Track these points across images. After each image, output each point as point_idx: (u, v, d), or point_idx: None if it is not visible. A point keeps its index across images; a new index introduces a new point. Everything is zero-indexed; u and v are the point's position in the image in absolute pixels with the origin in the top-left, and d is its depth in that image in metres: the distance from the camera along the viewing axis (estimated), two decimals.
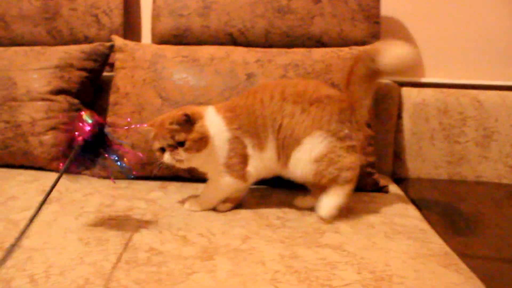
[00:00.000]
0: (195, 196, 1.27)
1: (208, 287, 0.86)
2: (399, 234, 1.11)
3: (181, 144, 1.12)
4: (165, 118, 1.14)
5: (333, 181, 1.17)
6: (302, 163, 1.17)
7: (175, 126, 1.11)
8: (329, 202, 1.17)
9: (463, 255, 1.04)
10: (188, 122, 1.12)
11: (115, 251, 0.97)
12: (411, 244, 1.05)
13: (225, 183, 1.20)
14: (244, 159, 1.19)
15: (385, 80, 1.68)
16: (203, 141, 1.13)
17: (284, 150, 1.18)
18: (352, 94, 1.22)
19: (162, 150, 1.14)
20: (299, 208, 1.26)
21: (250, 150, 1.19)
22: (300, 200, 1.28)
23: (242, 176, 1.19)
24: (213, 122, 1.17)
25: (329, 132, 1.16)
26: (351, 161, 1.17)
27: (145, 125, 1.19)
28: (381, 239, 1.08)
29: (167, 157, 1.13)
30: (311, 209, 1.22)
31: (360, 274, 0.91)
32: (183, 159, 1.13)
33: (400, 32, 1.74)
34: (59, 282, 0.87)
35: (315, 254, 0.98)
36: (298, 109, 1.17)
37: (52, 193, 1.30)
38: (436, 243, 1.08)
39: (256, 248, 1.00)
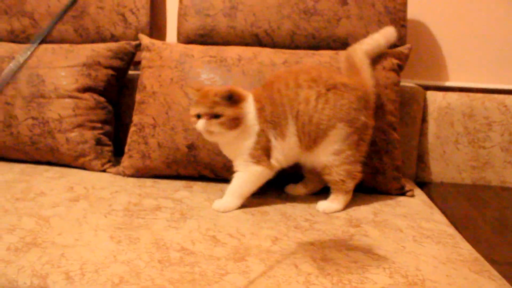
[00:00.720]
0: (221, 198, 1.27)
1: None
2: (427, 238, 1.11)
3: (217, 116, 1.17)
4: (212, 89, 1.21)
5: (337, 184, 1.27)
6: (325, 152, 1.25)
7: (217, 99, 1.17)
8: (332, 206, 1.27)
9: (491, 261, 1.04)
10: (231, 99, 1.19)
11: (147, 250, 0.98)
12: (441, 249, 1.05)
13: (253, 172, 1.24)
14: (267, 152, 1.23)
15: (409, 84, 1.67)
16: (236, 122, 1.19)
17: (307, 136, 1.23)
18: (363, 80, 1.31)
19: (198, 116, 1.20)
20: (289, 195, 1.38)
21: (273, 142, 1.24)
22: (291, 188, 1.40)
23: (269, 165, 1.24)
24: (250, 110, 1.23)
25: (349, 123, 1.24)
26: (357, 170, 1.28)
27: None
28: (410, 243, 1.07)
29: (200, 124, 1.19)
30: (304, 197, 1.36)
31: (393, 278, 0.91)
32: (214, 131, 1.19)
33: (426, 36, 1.73)
34: (94, 279, 0.88)
35: (346, 257, 0.98)
36: (313, 93, 1.22)
37: (79, 190, 1.33)
38: (465, 248, 1.07)
39: (287, 249, 1.00)
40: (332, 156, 1.25)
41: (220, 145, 1.29)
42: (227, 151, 1.29)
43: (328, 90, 1.23)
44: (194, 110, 1.21)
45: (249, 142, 1.22)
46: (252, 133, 1.22)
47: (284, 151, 1.25)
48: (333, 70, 1.35)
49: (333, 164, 1.25)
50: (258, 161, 1.23)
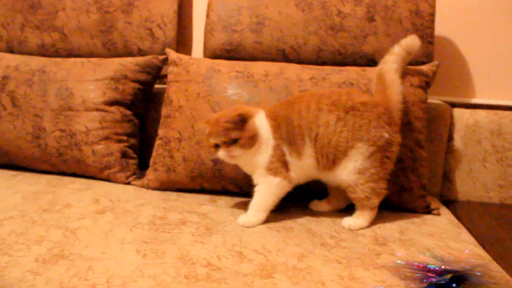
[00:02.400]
0: (245, 212, 1.27)
1: None
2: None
3: (235, 141, 1.20)
4: (220, 116, 1.22)
5: (362, 201, 1.26)
6: (347, 172, 1.24)
7: (229, 125, 1.19)
8: (358, 222, 1.26)
9: None
10: (242, 120, 1.20)
11: (173, 265, 0.98)
12: None
13: (272, 183, 1.25)
14: (284, 164, 1.24)
15: (436, 101, 1.66)
16: (253, 139, 1.22)
17: (325, 158, 1.24)
18: (387, 97, 1.30)
19: (217, 146, 1.22)
20: (313, 211, 1.38)
21: (288, 157, 1.25)
22: (316, 204, 1.40)
23: (287, 177, 1.25)
24: (263, 125, 1.25)
25: (369, 142, 1.23)
26: (382, 188, 1.27)
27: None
28: None
29: (222, 154, 1.22)
30: (328, 213, 1.36)
31: None
32: (237, 155, 1.21)
33: (453, 52, 1.71)
34: None
35: (373, 276, 0.97)
36: (333, 117, 1.23)
37: (104, 202, 1.34)
38: (497, 271, 1.05)
39: (314, 267, 0.99)
40: (355, 175, 1.24)
41: (239, 164, 1.31)
42: (247, 168, 1.30)
43: (346, 112, 1.23)
44: (211, 141, 1.22)
45: (265, 155, 1.24)
46: (268, 147, 1.24)
47: (300, 169, 1.26)
48: (355, 91, 1.34)
49: (357, 182, 1.24)
50: (275, 173, 1.24)
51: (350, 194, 1.27)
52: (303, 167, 1.26)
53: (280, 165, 1.24)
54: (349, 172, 1.24)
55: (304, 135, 1.24)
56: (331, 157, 1.23)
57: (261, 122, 1.25)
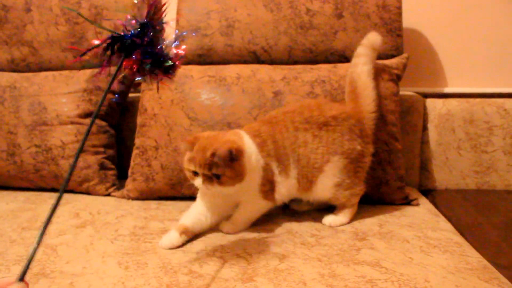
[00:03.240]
0: (227, 219, 1.24)
1: None
2: (434, 248, 1.10)
3: (217, 176, 1.08)
4: (207, 145, 1.08)
5: (343, 203, 1.28)
6: (325, 188, 1.25)
7: (216, 160, 1.06)
8: (338, 219, 1.27)
9: (499, 266, 1.04)
10: (231, 159, 1.08)
11: (155, 275, 0.98)
12: (449, 258, 1.05)
13: (260, 206, 1.23)
14: (273, 185, 1.21)
15: (409, 92, 1.68)
16: (239, 178, 1.11)
17: (304, 178, 1.23)
18: (358, 107, 1.31)
19: (195, 173, 1.11)
20: (295, 211, 1.37)
21: (277, 177, 1.21)
22: (297, 204, 1.37)
23: (273, 198, 1.22)
24: (251, 152, 1.16)
25: (344, 155, 1.23)
26: (360, 189, 1.29)
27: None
28: (417, 254, 1.07)
29: (199, 183, 1.11)
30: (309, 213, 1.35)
31: None
32: (216, 191, 1.10)
33: (422, 43, 1.74)
34: None
35: (354, 272, 0.98)
36: (309, 135, 1.23)
37: (84, 216, 1.33)
38: (473, 256, 1.07)
39: (295, 267, 1.00)
40: (334, 188, 1.25)
41: (217, 201, 1.21)
42: (234, 197, 1.20)
43: (320, 129, 1.23)
44: (190, 166, 1.11)
45: (257, 178, 1.18)
46: (258, 168, 1.17)
47: (286, 189, 1.23)
48: (325, 103, 1.32)
49: (336, 194, 1.26)
50: (265, 196, 1.21)
51: (330, 203, 1.29)
52: (288, 187, 1.23)
53: (269, 187, 1.20)
54: (329, 188, 1.25)
55: (288, 156, 1.22)
56: (309, 177, 1.23)
57: (249, 152, 1.15)
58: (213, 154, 1.06)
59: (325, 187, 1.25)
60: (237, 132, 1.21)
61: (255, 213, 1.24)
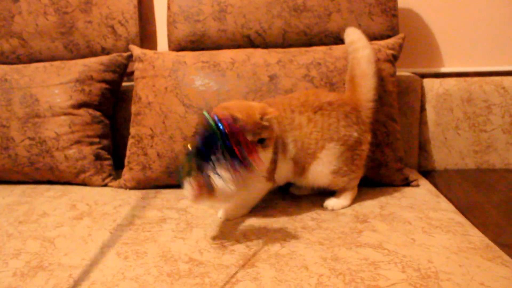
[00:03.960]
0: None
1: None
2: (436, 228, 1.10)
3: (261, 140, 1.08)
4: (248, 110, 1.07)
5: (343, 187, 1.27)
6: (321, 175, 1.23)
7: (265, 122, 1.07)
8: (340, 202, 1.26)
9: (501, 245, 1.03)
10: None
11: (155, 264, 0.97)
12: (451, 239, 1.04)
13: (261, 187, 1.21)
14: (275, 165, 1.19)
15: (405, 73, 1.66)
16: (273, 140, 1.13)
17: (298, 163, 1.21)
18: (356, 95, 1.28)
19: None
20: (294, 195, 1.36)
21: (279, 157, 1.19)
22: (296, 188, 1.37)
23: (272, 179, 1.21)
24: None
25: (340, 141, 1.21)
26: (358, 174, 1.28)
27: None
28: (419, 235, 1.06)
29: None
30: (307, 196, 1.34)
31: (405, 273, 0.90)
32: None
33: (417, 23, 1.72)
34: None
35: (356, 255, 0.97)
36: (304, 119, 1.21)
37: (82, 207, 1.32)
38: (476, 235, 1.06)
39: (296, 252, 0.99)
40: (331, 175, 1.23)
41: None
42: None
43: (315, 112, 1.21)
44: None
45: (269, 156, 1.14)
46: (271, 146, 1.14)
47: (284, 171, 1.22)
48: (322, 91, 1.31)
49: (334, 180, 1.24)
50: (268, 178, 1.19)
51: (330, 188, 1.27)
52: (286, 169, 1.22)
53: (272, 168, 1.18)
54: (326, 175, 1.23)
55: (288, 135, 1.20)
56: (302, 162, 1.21)
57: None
58: (261, 118, 1.06)
59: (320, 174, 1.23)
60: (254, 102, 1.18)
61: (257, 195, 1.22)
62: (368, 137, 1.28)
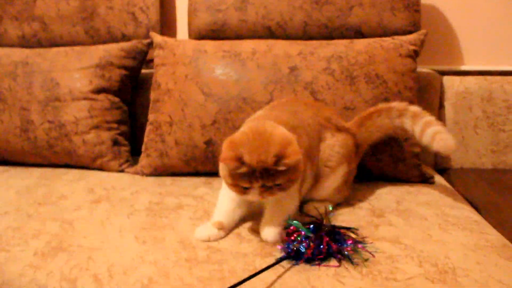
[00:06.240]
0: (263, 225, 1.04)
1: (273, 283, 0.86)
2: (453, 225, 1.09)
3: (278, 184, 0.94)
4: (263, 153, 0.91)
5: (331, 201, 1.19)
6: (327, 190, 1.19)
7: (282, 168, 0.92)
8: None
9: None
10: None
11: (173, 250, 0.97)
12: (468, 236, 1.04)
13: (295, 200, 1.07)
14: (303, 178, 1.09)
15: (425, 70, 1.65)
16: (298, 178, 0.99)
17: (317, 175, 1.17)
18: (361, 135, 1.27)
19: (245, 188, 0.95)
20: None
21: (307, 172, 1.11)
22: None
23: (300, 191, 1.11)
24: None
25: (349, 165, 1.21)
26: (347, 194, 1.25)
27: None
28: (436, 231, 1.06)
29: (254, 196, 0.95)
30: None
31: (423, 267, 0.90)
32: (275, 198, 0.97)
33: (440, 20, 1.70)
34: (124, 281, 0.88)
35: (373, 248, 0.97)
36: (328, 134, 1.19)
37: (99, 191, 1.33)
38: (493, 234, 1.06)
39: None
40: (333, 191, 1.20)
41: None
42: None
43: (338, 131, 1.20)
44: (243, 182, 0.93)
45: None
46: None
47: (308, 182, 1.13)
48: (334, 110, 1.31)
49: (333, 196, 1.20)
50: (300, 189, 1.08)
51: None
52: (309, 183, 1.14)
53: (301, 184, 1.08)
54: (330, 189, 1.19)
55: (317, 148, 1.15)
56: (319, 173, 1.16)
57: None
58: (276, 162, 0.91)
59: (327, 189, 1.19)
60: (276, 127, 0.99)
61: (293, 209, 1.06)
62: (355, 171, 1.28)
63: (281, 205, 1.03)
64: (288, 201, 1.04)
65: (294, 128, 1.03)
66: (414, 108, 1.26)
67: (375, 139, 1.31)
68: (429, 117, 1.24)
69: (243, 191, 0.94)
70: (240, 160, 0.90)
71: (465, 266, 0.90)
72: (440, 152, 1.19)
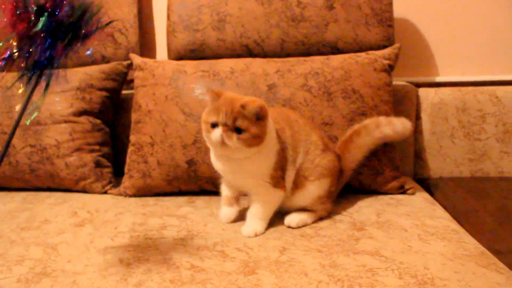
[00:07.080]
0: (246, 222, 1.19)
1: None
2: (432, 235, 1.12)
3: (238, 130, 1.07)
4: (238, 98, 1.10)
5: (314, 210, 1.24)
6: (309, 196, 1.23)
7: (245, 112, 1.06)
8: (302, 219, 1.22)
9: (496, 252, 1.05)
10: (258, 116, 1.08)
11: (158, 271, 0.98)
12: (447, 246, 1.06)
13: (273, 196, 1.18)
14: (284, 173, 1.19)
15: (401, 82, 1.69)
16: (258, 140, 1.09)
17: (300, 177, 1.22)
18: (345, 161, 1.34)
19: (213, 125, 1.09)
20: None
21: (289, 165, 1.20)
22: None
23: (284, 187, 1.19)
24: (271, 128, 1.14)
25: (332, 181, 1.27)
26: (329, 207, 1.28)
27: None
28: (416, 242, 1.08)
29: (217, 134, 1.07)
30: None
31: (403, 279, 0.91)
32: (232, 146, 1.07)
33: (413, 33, 1.75)
34: None
35: (354, 262, 0.99)
36: (320, 143, 1.24)
37: (83, 214, 1.33)
38: (470, 243, 1.09)
39: (295, 259, 1.01)
40: (314, 200, 1.23)
41: (228, 169, 1.18)
42: (240, 173, 1.17)
43: (326, 146, 1.26)
44: (210, 118, 1.09)
45: (269, 162, 1.14)
46: (273, 152, 1.15)
47: (289, 179, 1.21)
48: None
49: (313, 204, 1.23)
50: (276, 184, 1.16)
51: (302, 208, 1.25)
52: (289, 181, 1.21)
53: (280, 174, 1.17)
54: (311, 197, 1.23)
55: (300, 147, 1.21)
56: (303, 177, 1.22)
57: (271, 125, 1.14)
58: (243, 106, 1.07)
59: (309, 195, 1.22)
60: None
61: (271, 204, 1.19)
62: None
63: (258, 203, 1.19)
64: (263, 197, 1.19)
65: (275, 118, 1.20)
66: (385, 118, 1.39)
67: (358, 161, 1.36)
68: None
69: (210, 129, 1.09)
70: (218, 95, 1.11)
71: (443, 276, 0.92)
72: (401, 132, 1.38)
